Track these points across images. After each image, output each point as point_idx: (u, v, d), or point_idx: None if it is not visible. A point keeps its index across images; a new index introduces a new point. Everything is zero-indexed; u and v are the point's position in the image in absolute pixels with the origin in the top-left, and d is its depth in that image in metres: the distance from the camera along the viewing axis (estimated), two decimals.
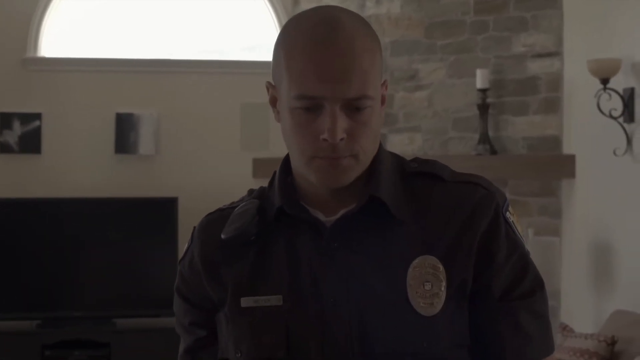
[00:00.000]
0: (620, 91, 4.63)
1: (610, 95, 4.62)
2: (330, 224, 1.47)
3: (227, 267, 1.51)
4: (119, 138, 6.09)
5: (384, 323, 1.42)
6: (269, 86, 1.50)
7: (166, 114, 6.14)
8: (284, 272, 1.47)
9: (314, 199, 1.49)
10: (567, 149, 5.28)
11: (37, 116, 6.03)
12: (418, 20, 5.66)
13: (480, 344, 1.47)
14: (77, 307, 5.79)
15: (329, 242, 1.46)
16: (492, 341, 1.46)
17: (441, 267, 1.44)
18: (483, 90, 5.32)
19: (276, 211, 1.49)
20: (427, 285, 1.43)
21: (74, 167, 6.05)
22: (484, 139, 5.35)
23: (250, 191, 1.58)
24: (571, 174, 5.16)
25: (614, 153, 4.63)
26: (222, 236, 1.50)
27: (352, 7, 5.24)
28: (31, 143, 6.03)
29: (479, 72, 5.34)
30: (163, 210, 5.90)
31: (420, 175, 1.51)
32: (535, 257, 1.55)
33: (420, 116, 5.65)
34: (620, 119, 4.63)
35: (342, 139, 1.39)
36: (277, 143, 5.41)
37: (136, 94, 6.13)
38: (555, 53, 5.33)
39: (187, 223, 1.67)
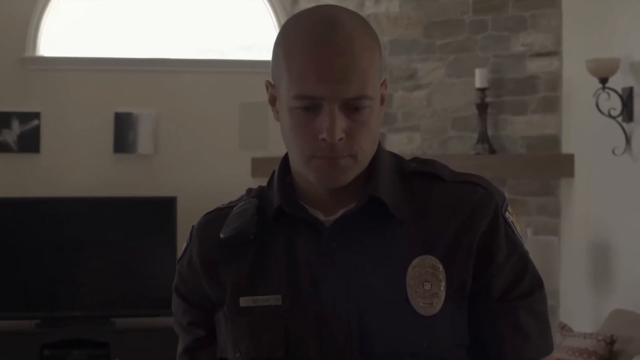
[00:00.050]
0: (619, 90, 4.63)
1: (609, 94, 4.62)
2: (330, 223, 1.47)
3: (225, 266, 1.51)
4: (117, 137, 6.09)
5: (384, 323, 1.42)
6: (268, 85, 1.50)
7: (165, 113, 6.14)
8: (283, 271, 1.47)
9: (313, 199, 1.49)
10: (565, 149, 5.28)
11: (36, 115, 6.03)
12: (417, 20, 5.66)
13: (479, 343, 1.47)
14: (76, 307, 5.79)
15: (329, 241, 1.46)
16: (491, 341, 1.46)
17: (441, 267, 1.44)
18: (482, 90, 5.32)
19: (275, 210, 1.49)
20: (427, 285, 1.43)
21: (73, 167, 6.04)
22: (483, 138, 5.35)
23: (249, 190, 1.58)
24: (570, 173, 5.17)
25: (613, 152, 4.63)
26: (221, 235, 1.50)
27: (351, 6, 5.24)
28: (30, 142, 6.02)
29: (477, 72, 5.34)
30: (162, 209, 5.90)
31: (420, 175, 1.51)
32: (534, 257, 1.55)
33: (419, 115, 5.65)
34: (619, 119, 4.63)
35: (340, 139, 1.39)
36: (276, 142, 5.41)
37: (135, 94, 6.13)
38: (554, 52, 5.33)
39: (186, 222, 1.66)
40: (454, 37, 5.55)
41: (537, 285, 1.48)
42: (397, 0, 5.71)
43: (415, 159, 1.55)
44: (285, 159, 1.52)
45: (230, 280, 1.50)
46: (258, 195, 1.55)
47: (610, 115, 4.63)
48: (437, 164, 1.54)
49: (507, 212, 1.49)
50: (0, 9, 6.01)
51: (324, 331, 1.43)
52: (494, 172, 5.06)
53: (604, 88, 4.62)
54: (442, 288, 1.43)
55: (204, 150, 6.13)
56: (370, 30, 1.44)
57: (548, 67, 5.34)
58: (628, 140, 4.63)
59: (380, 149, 1.50)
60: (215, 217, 1.55)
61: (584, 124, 5.05)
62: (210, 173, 6.05)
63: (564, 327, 4.53)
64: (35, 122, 6.02)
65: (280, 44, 1.44)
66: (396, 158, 1.54)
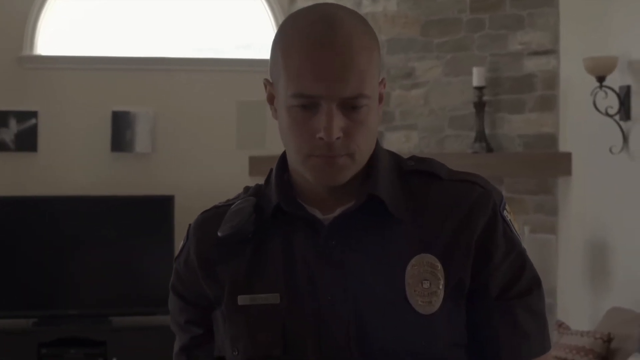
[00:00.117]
0: (617, 89, 4.63)
1: (606, 93, 4.62)
2: (328, 221, 1.46)
3: (223, 264, 1.50)
4: (115, 136, 6.09)
5: (382, 321, 1.42)
6: (267, 83, 1.50)
7: (162, 112, 6.14)
8: (281, 270, 1.47)
9: (311, 197, 1.48)
10: (563, 147, 5.28)
11: (34, 114, 6.03)
12: (414, 18, 5.66)
13: (477, 342, 1.47)
14: (74, 305, 5.78)
15: (327, 240, 1.45)
16: (489, 339, 1.46)
17: (439, 266, 1.44)
18: (479, 88, 5.32)
19: (273, 209, 1.49)
20: (426, 284, 1.43)
21: (70, 165, 6.04)
22: (480, 136, 5.36)
23: (246, 188, 1.58)
24: (567, 171, 5.17)
25: (610, 151, 4.64)
26: (219, 234, 1.50)
27: (349, 5, 5.23)
28: (27, 141, 6.02)
29: (475, 70, 5.34)
30: (159, 208, 5.90)
31: (418, 174, 1.51)
32: (532, 255, 1.55)
33: (416, 114, 5.66)
34: (617, 117, 4.63)
35: (338, 138, 1.39)
36: (273, 141, 5.41)
37: (132, 92, 6.13)
38: (551, 51, 5.33)
39: (184, 221, 1.66)
40: (452, 35, 5.56)
41: (535, 283, 1.48)
42: None
43: (413, 158, 1.55)
44: (283, 157, 1.52)
45: (228, 279, 1.49)
46: (255, 193, 1.54)
47: (607, 114, 4.63)
48: (435, 162, 1.53)
49: (504, 211, 1.49)
50: None
51: (322, 330, 1.43)
52: (492, 170, 5.06)
53: (601, 86, 4.62)
54: (440, 286, 1.43)
55: (201, 148, 6.12)
56: (368, 29, 1.44)
57: (545, 66, 5.34)
58: (625, 138, 4.63)
59: (378, 147, 1.50)
60: (213, 215, 1.55)
61: (581, 122, 5.05)
62: (207, 172, 6.05)
63: (561, 325, 4.54)
64: (33, 120, 6.02)
65: (279, 42, 1.44)
66: (394, 156, 1.54)
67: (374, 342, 1.42)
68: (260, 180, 1.57)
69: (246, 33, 6.33)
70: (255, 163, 5.86)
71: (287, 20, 1.46)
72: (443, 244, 1.45)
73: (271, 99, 1.49)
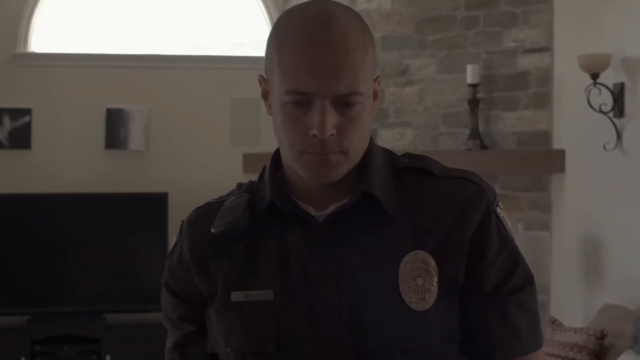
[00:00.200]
0: (610, 86, 4.63)
1: (600, 90, 4.63)
2: (322, 218, 1.47)
3: (216, 261, 1.50)
4: (109, 133, 6.08)
5: (376, 318, 1.42)
6: (261, 79, 1.50)
7: (156, 109, 6.13)
8: (275, 266, 1.47)
9: (305, 194, 1.48)
10: (557, 144, 5.29)
11: (27, 111, 6.02)
12: (409, 16, 5.66)
13: (470, 339, 1.47)
14: (67, 303, 5.78)
15: (321, 236, 1.46)
16: (481, 336, 1.46)
17: (433, 263, 1.44)
18: (473, 86, 5.33)
19: (267, 205, 1.49)
20: (419, 281, 1.43)
21: (64, 163, 6.04)
22: (475, 134, 5.36)
23: (240, 185, 1.58)
24: (561, 168, 5.18)
25: (604, 148, 4.64)
26: (212, 230, 1.50)
27: (343, 2, 5.24)
28: (21, 138, 6.01)
29: (469, 68, 5.34)
30: (153, 205, 5.89)
31: (412, 171, 1.51)
32: (525, 252, 1.56)
33: (410, 111, 5.66)
34: (610, 114, 4.63)
35: (331, 135, 1.39)
36: (267, 138, 5.42)
37: (126, 90, 6.12)
38: (545, 48, 5.34)
39: (178, 218, 1.66)
40: (446, 33, 5.56)
41: (528, 280, 1.48)
42: None
43: (407, 155, 1.55)
44: (277, 154, 1.52)
45: (222, 275, 1.49)
46: (249, 190, 1.54)
47: (601, 111, 4.64)
48: (429, 159, 1.54)
49: (498, 208, 1.49)
50: None
51: (315, 326, 1.43)
52: (486, 167, 5.07)
53: (595, 84, 4.63)
54: (434, 283, 1.43)
55: (195, 146, 6.12)
56: (364, 26, 1.44)
57: (539, 63, 5.35)
58: (619, 135, 4.63)
59: (372, 144, 1.50)
60: (206, 212, 1.55)
61: (575, 119, 5.06)
62: (201, 169, 6.05)
63: (554, 322, 4.54)
64: (27, 118, 6.01)
65: (274, 38, 1.44)
66: (388, 154, 1.54)
67: (367, 338, 1.42)
68: (255, 178, 1.56)
69: (241, 30, 6.33)
70: (249, 160, 5.86)
71: (282, 16, 1.46)
72: (437, 241, 1.45)
73: (266, 95, 1.49)
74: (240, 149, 5.98)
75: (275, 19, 5.24)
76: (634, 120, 4.55)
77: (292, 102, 1.40)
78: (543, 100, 5.35)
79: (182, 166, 6.09)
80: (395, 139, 5.62)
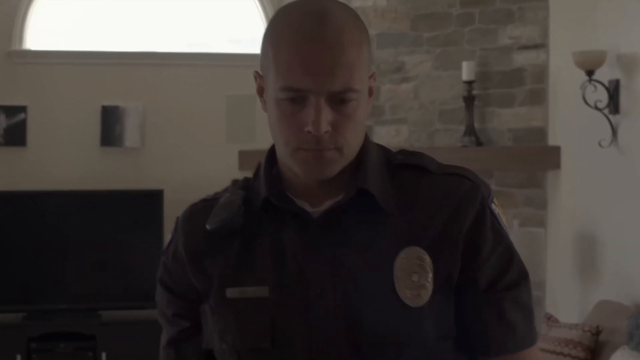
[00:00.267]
0: (606, 83, 4.64)
1: (595, 86, 4.63)
2: (317, 215, 1.47)
3: (211, 258, 1.50)
4: (104, 131, 6.07)
5: (371, 314, 1.42)
6: (257, 76, 1.50)
7: (152, 106, 6.13)
8: (270, 263, 1.47)
9: (300, 190, 1.48)
10: (552, 141, 5.29)
11: (23, 109, 6.01)
12: (404, 13, 5.66)
13: (465, 335, 1.47)
14: (63, 300, 5.77)
15: (316, 233, 1.46)
16: (476, 332, 1.47)
17: (428, 259, 1.44)
18: (469, 83, 5.33)
19: (262, 202, 1.49)
20: (415, 277, 1.43)
21: (60, 160, 6.03)
22: (470, 130, 5.37)
23: (235, 182, 1.58)
24: (556, 165, 5.18)
25: (600, 144, 4.65)
26: (207, 227, 1.50)
27: None
28: (16, 135, 6.00)
29: (464, 65, 5.35)
30: (149, 202, 5.89)
31: (407, 168, 1.51)
32: (521, 248, 1.56)
33: (406, 108, 5.66)
34: (606, 111, 4.64)
35: (326, 132, 1.39)
36: (263, 135, 5.39)
37: (122, 87, 6.11)
38: (540, 45, 5.34)
39: (173, 215, 1.66)
40: (441, 30, 5.56)
41: (523, 276, 1.48)
42: None
43: (402, 151, 1.55)
44: (272, 151, 1.52)
45: (217, 272, 1.49)
46: (244, 186, 1.54)
47: (596, 108, 4.64)
48: (424, 156, 1.54)
49: (492, 204, 1.49)
50: None
51: (311, 322, 1.43)
52: (481, 164, 5.07)
53: (590, 80, 4.63)
54: (429, 279, 1.44)
55: (190, 143, 6.12)
56: (359, 23, 1.44)
57: (535, 60, 5.35)
58: (614, 132, 4.64)
59: (367, 141, 1.50)
60: (201, 208, 1.54)
61: (570, 116, 5.07)
62: (197, 166, 6.04)
63: (550, 318, 4.55)
64: (22, 115, 6.00)
65: (269, 35, 1.44)
66: (383, 150, 1.54)
67: (362, 334, 1.42)
68: (250, 175, 1.57)
69: (236, 27, 6.32)
70: (245, 157, 5.85)
71: (278, 13, 1.46)
72: (432, 237, 1.45)
73: (261, 92, 1.49)
74: (235, 146, 5.97)
75: (270, 15, 5.24)
76: (629, 117, 4.55)
77: (287, 98, 1.40)
78: (538, 97, 5.35)
79: (177, 163, 6.09)
80: (390, 136, 5.63)
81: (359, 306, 1.42)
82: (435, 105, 5.59)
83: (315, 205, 1.48)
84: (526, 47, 5.37)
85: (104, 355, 5.57)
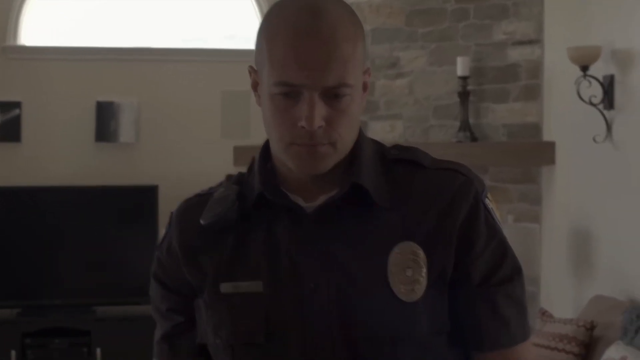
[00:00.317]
0: (600, 78, 4.64)
1: (590, 82, 4.63)
2: (311, 209, 1.47)
3: (205, 253, 1.50)
4: (99, 126, 6.07)
5: (365, 309, 1.42)
6: (251, 70, 1.50)
7: (147, 102, 6.12)
8: (264, 258, 1.47)
9: (294, 185, 1.49)
10: (547, 136, 5.30)
11: (17, 104, 6.00)
12: (399, 8, 5.66)
13: (459, 329, 1.47)
14: (58, 295, 5.77)
15: (310, 228, 1.46)
16: (470, 327, 1.47)
17: (421, 254, 1.44)
18: (464, 78, 5.34)
19: (256, 197, 1.49)
20: (409, 272, 1.43)
21: (54, 156, 6.02)
22: (465, 126, 5.37)
23: (229, 177, 1.58)
24: (551, 160, 5.19)
25: (594, 140, 4.65)
26: (202, 222, 1.50)
27: None
28: (11, 131, 6.00)
29: (459, 60, 5.35)
30: (143, 198, 5.89)
31: (401, 162, 1.51)
32: (515, 244, 1.56)
33: (401, 104, 5.66)
34: (600, 106, 4.64)
35: (320, 127, 1.39)
36: (258, 131, 5.38)
37: (117, 82, 6.11)
38: (535, 40, 5.35)
39: (168, 211, 1.66)
40: (436, 25, 5.56)
41: (516, 271, 1.49)
42: None
43: (397, 147, 1.55)
44: (266, 146, 1.52)
45: (211, 267, 1.50)
46: (238, 181, 1.54)
47: (591, 103, 4.64)
48: (419, 151, 1.54)
49: (486, 199, 1.49)
50: None
51: (305, 317, 1.44)
52: (476, 160, 5.07)
53: (585, 76, 4.64)
54: (423, 274, 1.44)
55: (186, 138, 6.12)
56: (354, 18, 1.44)
57: (529, 55, 5.36)
58: (609, 127, 4.64)
59: (361, 136, 1.50)
60: (195, 204, 1.55)
61: (565, 111, 5.07)
62: (192, 161, 6.04)
63: (544, 313, 4.55)
64: (16, 111, 6.00)
65: (264, 30, 1.44)
66: (377, 145, 1.54)
67: (356, 329, 1.42)
68: (245, 170, 1.57)
69: (231, 23, 6.32)
70: (239, 153, 5.85)
71: (273, 8, 1.46)
72: (426, 232, 1.45)
73: (255, 86, 1.49)
74: (230, 142, 5.97)
75: (265, 11, 5.23)
76: (624, 113, 4.55)
77: (281, 93, 1.40)
78: (533, 92, 5.35)
79: (172, 159, 6.09)
80: (385, 132, 5.63)
81: (353, 301, 1.43)
82: (430, 101, 5.59)
83: (309, 200, 1.48)
84: (521, 43, 5.37)
85: (98, 350, 5.57)
